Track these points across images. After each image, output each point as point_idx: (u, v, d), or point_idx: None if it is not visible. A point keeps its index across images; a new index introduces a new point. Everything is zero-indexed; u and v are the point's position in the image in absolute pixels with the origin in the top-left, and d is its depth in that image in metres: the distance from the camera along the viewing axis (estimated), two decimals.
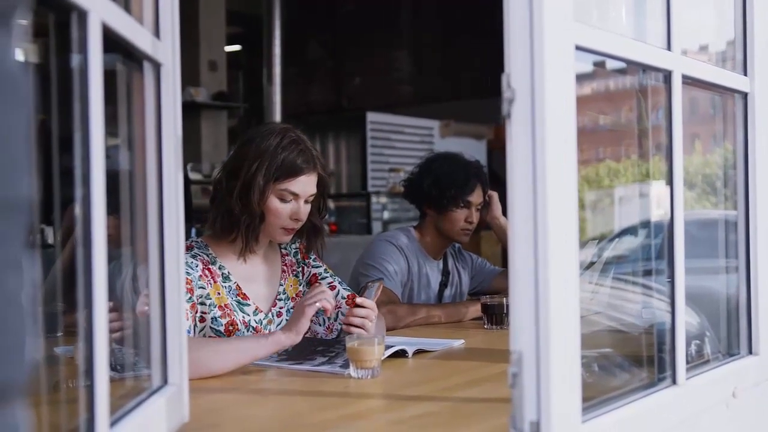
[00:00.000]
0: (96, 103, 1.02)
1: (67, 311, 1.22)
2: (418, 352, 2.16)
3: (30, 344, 0.57)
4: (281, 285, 2.32)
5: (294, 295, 2.34)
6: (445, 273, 3.13)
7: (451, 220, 2.98)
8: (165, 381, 1.37)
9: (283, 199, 2.17)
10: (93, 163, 1.01)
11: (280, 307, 2.30)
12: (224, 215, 2.18)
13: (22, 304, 0.56)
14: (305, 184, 2.19)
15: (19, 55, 0.58)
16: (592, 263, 2.24)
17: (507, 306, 2.64)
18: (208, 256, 2.20)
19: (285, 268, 2.35)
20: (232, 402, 1.73)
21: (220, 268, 2.20)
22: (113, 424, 1.09)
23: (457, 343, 2.33)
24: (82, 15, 1.00)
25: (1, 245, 0.55)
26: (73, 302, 1.06)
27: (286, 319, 2.27)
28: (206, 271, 2.16)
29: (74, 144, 1.02)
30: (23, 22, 0.60)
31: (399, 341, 2.21)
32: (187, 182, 5.60)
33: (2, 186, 0.55)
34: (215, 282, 2.17)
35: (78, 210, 1.01)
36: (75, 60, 1.02)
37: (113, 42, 1.12)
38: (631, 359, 1.71)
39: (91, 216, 1.01)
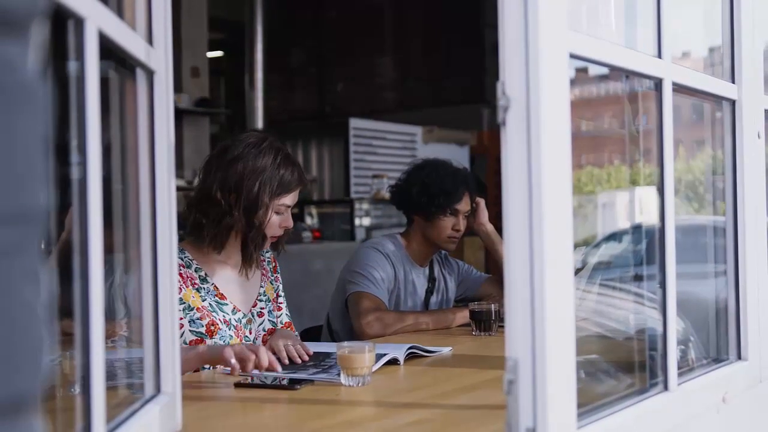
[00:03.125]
0: (93, 109, 1.01)
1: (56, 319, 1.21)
2: (410, 356, 2.17)
3: (46, 354, 0.57)
4: (261, 287, 2.40)
5: (271, 299, 2.42)
6: (432, 280, 3.13)
7: (438, 227, 2.98)
8: (158, 390, 1.36)
9: (278, 213, 2.27)
10: (90, 171, 1.00)
11: (261, 308, 2.38)
12: (225, 231, 2.23)
13: (38, 314, 0.56)
14: (296, 196, 2.32)
15: (36, 64, 0.58)
16: (578, 270, 2.25)
17: (495, 312, 2.64)
18: (182, 259, 2.24)
19: (264, 271, 2.44)
20: (225, 411, 1.72)
21: (196, 271, 2.26)
22: None
23: (446, 350, 2.34)
24: (79, 22, 0.99)
25: (18, 255, 0.54)
26: (62, 310, 1.05)
27: (269, 320, 2.38)
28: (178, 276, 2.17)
29: (70, 151, 1.01)
30: (40, 31, 0.60)
31: (388, 348, 2.20)
32: None
33: (20, 195, 0.54)
34: (188, 287, 2.22)
35: (75, 218, 1.00)
36: (71, 67, 1.01)
37: (107, 49, 1.12)
38: (621, 365, 1.72)
39: (88, 223, 1.00)
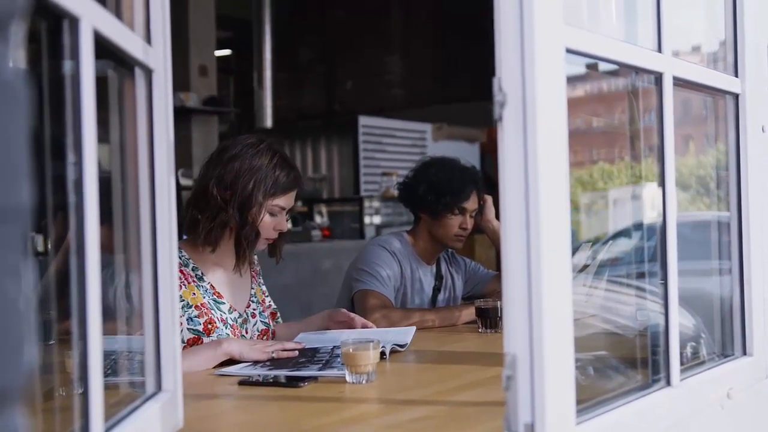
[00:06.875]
0: (88, 109, 1.01)
1: (60, 319, 1.22)
2: (392, 352, 2.19)
3: (29, 350, 0.58)
4: (252, 288, 2.45)
5: (260, 301, 2.47)
6: (439, 277, 3.13)
7: (445, 225, 2.98)
8: (159, 387, 1.37)
9: (272, 214, 2.30)
10: (86, 170, 1.01)
11: (253, 309, 2.42)
12: (219, 228, 2.26)
13: (20, 310, 0.56)
14: (292, 199, 2.34)
15: (16, 63, 0.58)
16: (586, 266, 2.24)
17: (501, 309, 2.64)
18: (180, 258, 2.26)
19: (254, 274, 2.49)
20: (227, 408, 1.72)
21: (193, 270, 2.29)
22: (108, 430, 1.09)
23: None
24: (74, 21, 1.00)
25: (0, 251, 0.55)
26: (66, 310, 1.06)
27: (260, 321, 2.42)
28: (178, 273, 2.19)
29: (65, 151, 1.02)
30: (20, 29, 0.60)
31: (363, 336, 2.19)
32: (178, 188, 5.59)
33: (2, 192, 0.55)
34: (189, 283, 2.25)
35: (71, 217, 1.01)
36: (66, 66, 1.02)
37: (104, 48, 1.12)
38: (626, 361, 1.71)
39: (84, 224, 1.00)
